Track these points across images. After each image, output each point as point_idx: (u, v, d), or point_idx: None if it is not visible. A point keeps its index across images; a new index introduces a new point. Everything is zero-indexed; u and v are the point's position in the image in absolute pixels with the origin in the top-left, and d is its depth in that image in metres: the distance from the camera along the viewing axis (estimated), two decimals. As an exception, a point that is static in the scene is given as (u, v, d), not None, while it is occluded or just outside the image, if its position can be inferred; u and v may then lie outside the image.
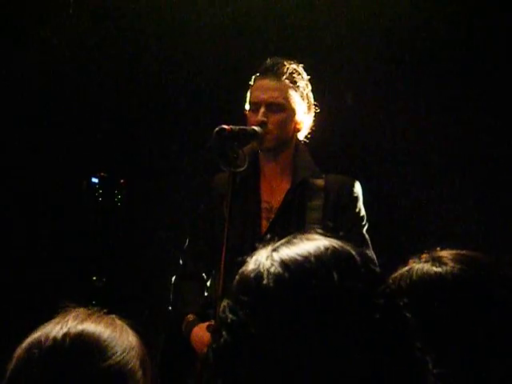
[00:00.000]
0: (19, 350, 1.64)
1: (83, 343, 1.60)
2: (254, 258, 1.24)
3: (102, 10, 5.39)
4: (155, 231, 5.55)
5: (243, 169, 3.42)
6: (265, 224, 3.70)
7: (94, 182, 5.35)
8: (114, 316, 1.72)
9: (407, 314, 1.21)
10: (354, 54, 5.10)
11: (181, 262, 3.88)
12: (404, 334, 1.19)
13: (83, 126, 5.51)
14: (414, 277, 1.64)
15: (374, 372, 1.14)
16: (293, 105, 3.66)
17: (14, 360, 1.63)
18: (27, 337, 1.66)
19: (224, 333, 1.20)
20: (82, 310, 1.71)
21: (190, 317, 3.67)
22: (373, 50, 5.07)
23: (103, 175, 5.38)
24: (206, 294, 3.77)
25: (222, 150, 3.38)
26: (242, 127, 3.48)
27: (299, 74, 3.69)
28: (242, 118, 3.71)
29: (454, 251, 1.68)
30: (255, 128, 3.55)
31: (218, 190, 3.72)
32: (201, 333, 3.57)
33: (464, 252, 1.69)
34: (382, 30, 5.01)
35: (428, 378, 1.20)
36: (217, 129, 3.36)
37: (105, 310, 1.73)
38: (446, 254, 1.68)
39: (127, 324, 1.72)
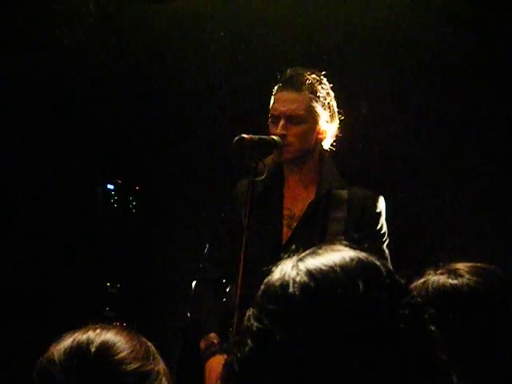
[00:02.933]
0: (48, 352, 1.70)
1: (107, 351, 1.66)
2: (280, 267, 1.25)
3: (121, 19, 5.42)
4: (170, 237, 5.56)
5: (263, 178, 3.43)
6: (286, 231, 3.70)
7: (109, 189, 5.37)
8: (146, 340, 1.77)
9: (431, 327, 1.21)
10: (370, 64, 5.11)
11: (201, 267, 3.87)
12: (429, 345, 1.19)
13: (98, 132, 5.53)
14: (430, 289, 1.64)
15: (399, 383, 1.15)
16: (314, 115, 3.66)
17: (42, 362, 1.69)
18: (52, 341, 1.73)
19: (249, 341, 1.20)
20: (111, 324, 1.79)
21: (213, 337, 3.65)
22: (389, 59, 5.07)
23: (118, 182, 5.40)
24: (224, 299, 3.76)
25: (242, 159, 3.40)
26: (261, 136, 3.50)
27: (320, 83, 3.69)
28: (262, 127, 3.72)
29: (470, 264, 1.68)
30: (274, 137, 3.56)
31: (240, 196, 3.71)
32: (217, 366, 3.54)
33: (480, 265, 1.68)
34: (398, 39, 5.01)
35: None
36: (236, 138, 3.38)
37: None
38: (462, 266, 1.67)
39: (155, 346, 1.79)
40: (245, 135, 3.38)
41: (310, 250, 1.26)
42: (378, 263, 1.23)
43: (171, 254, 5.54)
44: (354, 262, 1.22)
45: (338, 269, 1.20)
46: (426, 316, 1.22)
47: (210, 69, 5.42)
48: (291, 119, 3.62)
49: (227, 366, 1.24)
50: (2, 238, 5.27)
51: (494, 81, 4.89)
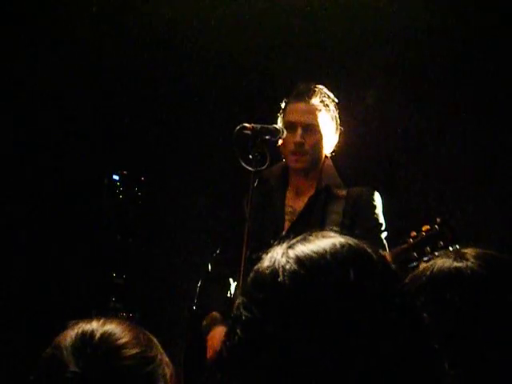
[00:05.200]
0: (54, 342, 1.74)
1: (111, 336, 1.72)
2: (269, 255, 1.23)
3: (124, 9, 5.41)
4: (175, 228, 5.56)
5: (265, 167, 3.44)
6: (287, 226, 3.79)
7: (115, 179, 5.36)
8: (148, 332, 1.81)
9: (424, 315, 1.19)
10: (376, 57, 5.09)
11: (209, 266, 3.93)
12: (420, 333, 1.17)
13: (104, 123, 5.52)
14: (435, 270, 1.64)
15: (390, 372, 1.13)
16: (325, 127, 3.78)
17: (48, 350, 1.73)
18: (58, 332, 1.77)
19: (238, 330, 1.18)
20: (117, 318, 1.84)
21: (215, 314, 3.70)
22: (394, 53, 5.06)
23: (124, 172, 5.39)
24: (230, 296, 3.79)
25: (244, 148, 3.40)
26: (263, 125, 3.50)
27: (329, 97, 3.81)
28: (264, 118, 3.74)
29: (479, 249, 1.68)
30: (276, 126, 3.58)
31: (246, 197, 3.75)
32: (218, 335, 3.58)
33: (488, 251, 1.68)
34: (402, 33, 4.99)
35: (444, 379, 1.18)
36: (238, 127, 3.39)
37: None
38: (470, 251, 1.67)
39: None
40: (247, 124, 3.40)
41: (301, 237, 1.24)
42: (370, 250, 1.21)
43: (177, 244, 5.54)
44: (344, 249, 1.19)
45: (328, 256, 1.18)
46: (419, 303, 1.20)
47: (214, 58, 5.41)
48: (308, 129, 3.74)
49: (218, 354, 1.23)
50: (8, 229, 5.28)
51: (498, 73, 4.86)
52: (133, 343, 1.72)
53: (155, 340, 1.79)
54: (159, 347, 1.78)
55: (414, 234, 3.51)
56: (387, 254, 3.51)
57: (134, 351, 1.70)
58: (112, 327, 1.74)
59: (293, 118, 3.77)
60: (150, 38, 5.47)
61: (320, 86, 3.82)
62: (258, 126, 3.46)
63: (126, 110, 5.54)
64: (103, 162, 5.44)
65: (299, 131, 3.72)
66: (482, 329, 1.54)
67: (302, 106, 3.76)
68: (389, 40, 5.02)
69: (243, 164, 3.40)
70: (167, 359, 1.78)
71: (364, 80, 5.06)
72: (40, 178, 5.40)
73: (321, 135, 3.77)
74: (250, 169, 3.40)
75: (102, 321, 1.76)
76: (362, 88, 5.04)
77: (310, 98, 3.75)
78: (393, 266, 1.22)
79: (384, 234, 3.79)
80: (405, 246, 3.50)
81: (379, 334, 1.13)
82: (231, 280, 3.82)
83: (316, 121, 3.75)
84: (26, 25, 5.34)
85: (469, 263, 1.62)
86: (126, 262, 5.31)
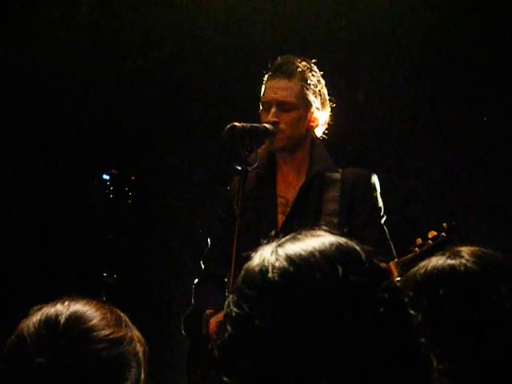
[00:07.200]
0: (17, 329, 1.69)
1: (77, 320, 1.65)
2: (259, 253, 1.25)
3: (116, 7, 5.41)
4: (166, 227, 5.56)
5: (255, 166, 3.42)
6: (281, 218, 3.67)
7: (105, 179, 5.36)
8: (117, 309, 1.76)
9: (411, 311, 1.21)
10: (366, 52, 5.10)
11: (202, 265, 3.85)
12: (408, 329, 1.19)
13: (95, 123, 5.52)
14: (429, 268, 1.66)
15: (378, 367, 1.15)
16: (305, 102, 3.63)
17: (12, 339, 1.68)
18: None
19: (228, 327, 1.20)
20: (86, 299, 1.75)
21: (209, 311, 3.60)
22: (385, 48, 5.06)
23: (114, 172, 5.39)
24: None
25: (234, 147, 3.39)
26: (253, 124, 3.48)
27: (310, 70, 3.66)
28: (255, 116, 3.71)
29: (474, 248, 1.70)
30: (266, 125, 3.54)
31: (235, 192, 3.71)
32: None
33: (483, 249, 1.69)
34: (394, 27, 5.00)
35: (432, 374, 1.20)
36: (228, 126, 3.37)
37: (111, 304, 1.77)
38: (465, 249, 1.69)
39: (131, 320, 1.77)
40: (236, 123, 3.36)
41: (290, 236, 1.26)
42: (358, 248, 1.23)
43: (167, 243, 5.54)
44: (333, 247, 1.22)
45: (317, 254, 1.20)
46: (406, 300, 1.22)
47: (205, 57, 5.41)
48: (282, 106, 3.59)
49: (210, 352, 1.24)
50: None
51: (491, 68, 4.88)
52: (101, 325, 1.65)
53: (125, 317, 1.73)
54: (129, 324, 1.73)
55: (419, 241, 3.36)
56: (392, 264, 3.34)
57: (102, 333, 1.64)
58: (78, 309, 1.67)
59: (266, 96, 3.63)
60: (140, 37, 5.47)
61: (300, 59, 3.66)
62: (248, 125, 3.42)
63: (117, 109, 5.53)
64: (93, 162, 5.44)
65: (273, 109, 3.57)
66: (475, 325, 1.56)
67: (275, 82, 3.62)
68: (384, 38, 5.03)
69: (233, 163, 3.40)
70: (139, 335, 1.73)
71: (357, 77, 5.06)
72: (30, 178, 5.40)
73: (299, 113, 3.61)
74: (239, 168, 3.39)
75: (66, 302, 1.69)
76: (355, 85, 5.05)
77: (286, 73, 3.60)
78: (380, 263, 1.24)
79: (383, 219, 3.67)
80: (411, 255, 3.34)
81: (367, 329, 1.15)
82: (225, 279, 3.76)
83: (292, 97, 3.58)
84: (23, 24, 5.34)
85: (462, 260, 1.64)
86: (117, 262, 5.32)
